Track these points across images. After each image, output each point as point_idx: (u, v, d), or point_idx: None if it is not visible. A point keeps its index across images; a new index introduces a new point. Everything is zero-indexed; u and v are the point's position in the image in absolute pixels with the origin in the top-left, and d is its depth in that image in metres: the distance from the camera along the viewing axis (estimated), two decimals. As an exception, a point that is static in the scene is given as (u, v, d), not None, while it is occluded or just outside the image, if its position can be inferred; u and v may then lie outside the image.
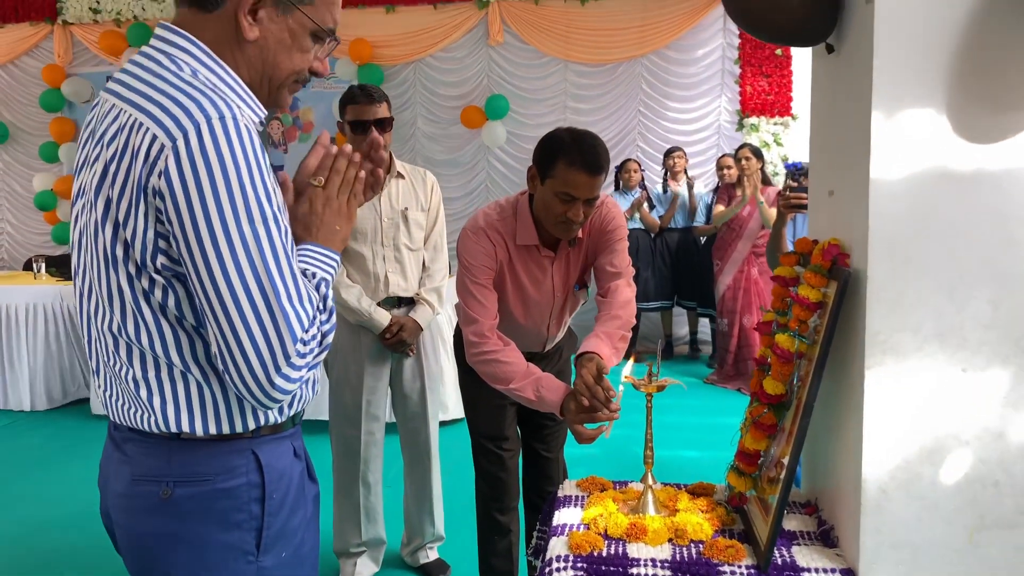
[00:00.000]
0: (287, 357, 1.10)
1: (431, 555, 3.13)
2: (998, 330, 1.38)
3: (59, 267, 6.51)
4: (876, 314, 1.40)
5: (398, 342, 2.90)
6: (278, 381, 1.11)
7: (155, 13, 7.57)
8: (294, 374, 1.12)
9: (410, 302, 2.99)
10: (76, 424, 5.18)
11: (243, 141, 1.08)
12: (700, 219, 6.36)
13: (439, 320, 4.17)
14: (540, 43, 7.18)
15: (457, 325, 2.57)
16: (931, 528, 1.42)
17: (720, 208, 5.84)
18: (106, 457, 1.29)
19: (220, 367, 1.12)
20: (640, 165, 6.69)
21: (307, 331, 1.13)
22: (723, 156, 6.09)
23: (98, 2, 7.65)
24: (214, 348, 1.11)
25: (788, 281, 1.70)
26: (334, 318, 1.20)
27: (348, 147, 1.30)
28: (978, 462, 1.40)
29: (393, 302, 2.96)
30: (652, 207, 6.58)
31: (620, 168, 6.54)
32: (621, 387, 1.75)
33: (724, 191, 5.94)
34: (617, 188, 6.54)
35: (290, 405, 1.25)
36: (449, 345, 5.03)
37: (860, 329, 1.42)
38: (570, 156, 2.04)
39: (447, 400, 4.82)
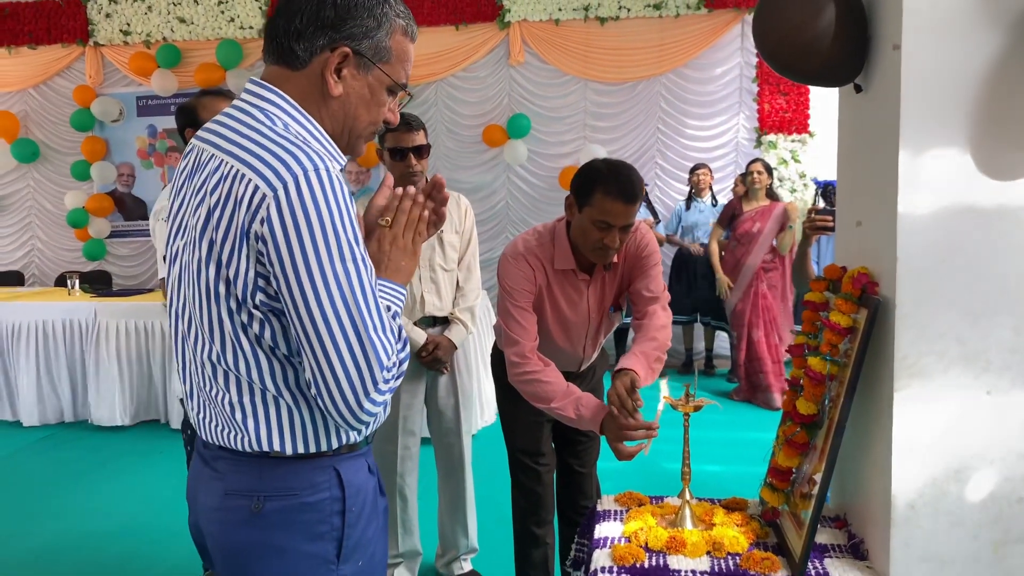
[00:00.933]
0: (375, 383, 1.21)
1: (465, 567, 3.21)
2: (1021, 354, 1.47)
3: (92, 283, 6.66)
4: (904, 340, 1.49)
5: (433, 360, 3.00)
6: (367, 405, 1.22)
7: (184, 35, 7.74)
8: (379, 398, 1.23)
9: (444, 321, 3.09)
10: (114, 439, 5.30)
11: (335, 190, 1.19)
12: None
13: (471, 339, 4.26)
14: (560, 62, 7.30)
15: (495, 344, 2.68)
16: (958, 542, 1.50)
17: (717, 236, 5.99)
18: (194, 474, 1.40)
19: (313, 393, 1.22)
20: (643, 180, 6.77)
21: (390, 359, 1.24)
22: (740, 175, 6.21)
23: (128, 24, 7.83)
24: (308, 376, 1.22)
25: (818, 306, 1.79)
26: (408, 347, 1.31)
27: (412, 189, 1.41)
28: (1003, 480, 1.49)
29: (428, 321, 3.05)
30: (657, 221, 6.71)
31: None
32: (662, 405, 1.84)
33: (727, 208, 6.03)
34: None
35: (367, 426, 1.35)
36: (482, 363, 5.16)
37: (889, 353, 1.51)
38: (607, 186, 2.17)
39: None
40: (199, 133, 1.33)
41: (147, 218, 8.07)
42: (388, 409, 1.32)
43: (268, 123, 1.25)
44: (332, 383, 1.19)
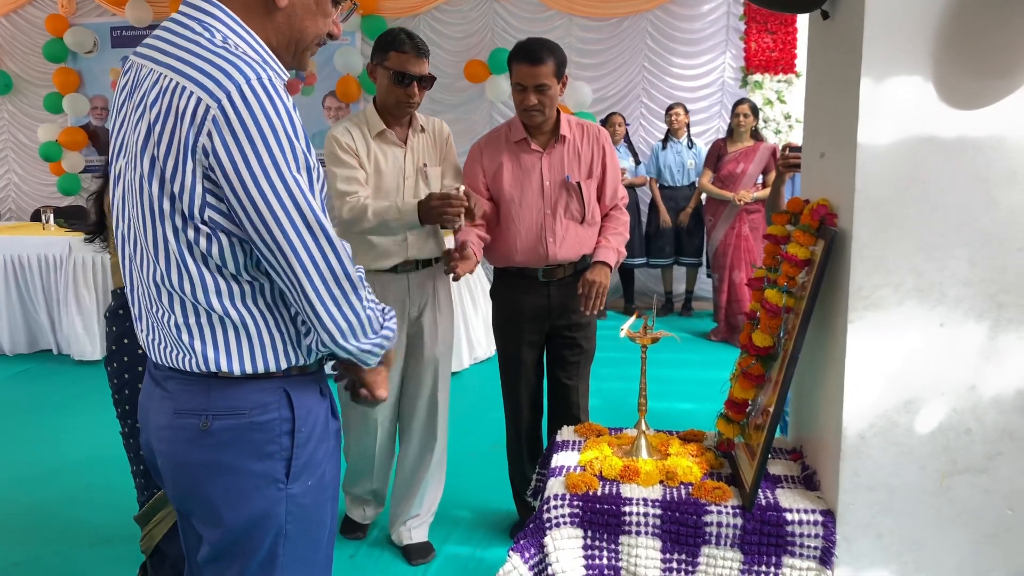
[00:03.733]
0: (347, 275, 1.27)
1: (416, 535, 2.94)
2: (975, 287, 1.46)
3: (67, 218, 6.57)
4: (860, 271, 1.48)
5: (445, 206, 2.46)
6: (352, 299, 1.29)
7: (158, -36, 7.52)
8: (358, 296, 1.30)
9: (428, 264, 2.80)
10: (89, 372, 5.29)
11: (280, 97, 1.19)
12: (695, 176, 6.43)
13: (460, 284, 3.79)
14: (545, -4, 7.15)
15: (495, 268, 2.94)
16: (906, 472, 1.52)
17: (707, 177, 5.93)
18: (146, 394, 1.41)
19: (291, 299, 1.28)
20: (625, 119, 6.71)
21: (349, 255, 1.28)
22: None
23: (100, -49, 7.59)
24: (281, 284, 1.26)
25: (779, 239, 1.77)
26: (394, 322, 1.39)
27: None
28: (952, 411, 1.50)
29: (412, 266, 2.76)
30: (638, 163, 6.71)
31: (605, 122, 6.56)
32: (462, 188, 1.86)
33: (713, 149, 5.99)
34: None
35: (316, 351, 1.35)
36: (469, 302, 5.19)
37: (844, 285, 1.50)
38: (515, 54, 2.66)
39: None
40: (137, 49, 1.30)
41: (122, 152, 7.95)
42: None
43: (207, 35, 1.23)
44: (306, 284, 1.24)
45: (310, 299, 1.24)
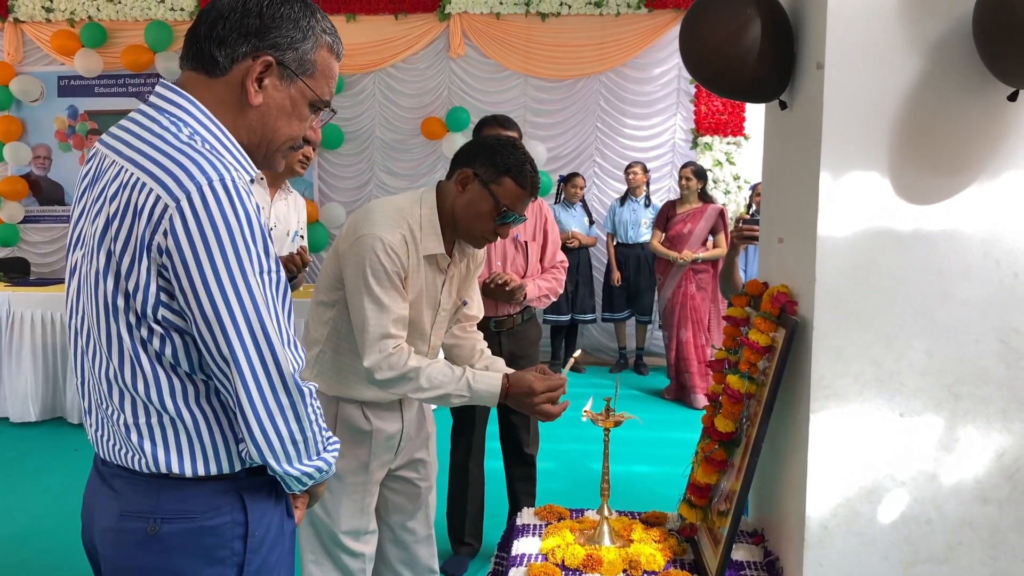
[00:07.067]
0: (295, 387, 1.22)
1: None
2: (933, 377, 1.48)
3: (7, 271, 6.37)
4: (821, 361, 1.48)
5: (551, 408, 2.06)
6: (301, 414, 1.24)
7: (110, 14, 7.44)
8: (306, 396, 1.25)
9: None
10: (25, 437, 5.07)
11: (242, 201, 1.15)
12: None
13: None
14: (501, 57, 7.25)
15: None
16: (869, 562, 1.51)
17: (657, 238, 6.02)
18: (91, 491, 1.33)
19: (232, 403, 1.21)
20: (584, 182, 6.82)
21: (299, 369, 1.22)
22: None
23: (51, 1, 7.49)
24: (221, 387, 1.21)
25: (739, 321, 1.78)
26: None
27: None
28: (913, 501, 1.50)
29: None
30: (592, 222, 6.80)
31: (567, 181, 6.65)
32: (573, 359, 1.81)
33: (663, 211, 6.10)
34: (557, 200, 6.73)
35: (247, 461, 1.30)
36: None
37: (806, 374, 1.51)
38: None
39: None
40: (103, 137, 1.28)
41: (64, 203, 7.76)
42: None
43: (173, 130, 1.20)
44: (241, 391, 1.18)
45: (243, 406, 1.18)
